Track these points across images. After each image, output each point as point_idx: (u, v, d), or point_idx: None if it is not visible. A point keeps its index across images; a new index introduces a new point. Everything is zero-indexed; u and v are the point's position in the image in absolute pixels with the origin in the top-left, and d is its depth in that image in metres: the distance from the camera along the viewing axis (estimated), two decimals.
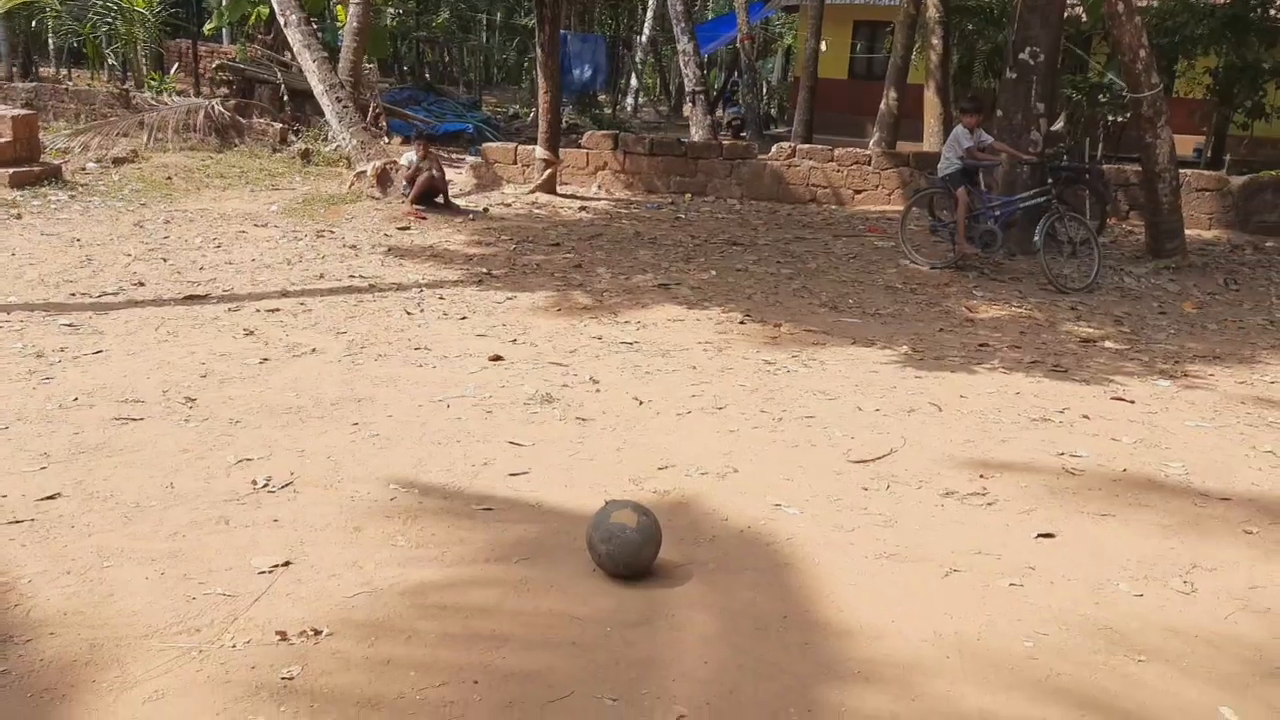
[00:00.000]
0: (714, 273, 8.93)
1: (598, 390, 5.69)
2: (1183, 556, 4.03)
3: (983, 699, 3.01)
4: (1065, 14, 10.65)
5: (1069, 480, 4.80)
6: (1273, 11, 15.72)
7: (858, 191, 12.71)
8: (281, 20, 12.63)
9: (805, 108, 17.86)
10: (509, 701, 2.85)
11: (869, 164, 12.78)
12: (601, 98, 26.80)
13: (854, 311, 7.99)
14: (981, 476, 4.76)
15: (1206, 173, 13.02)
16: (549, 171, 12.03)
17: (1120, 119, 16.02)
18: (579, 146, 13.08)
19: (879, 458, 4.94)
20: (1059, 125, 17.08)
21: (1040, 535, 4.17)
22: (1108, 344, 7.49)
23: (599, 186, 12.78)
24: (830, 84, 21.03)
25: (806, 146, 13.35)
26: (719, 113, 26.23)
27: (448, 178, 11.67)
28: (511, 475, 4.44)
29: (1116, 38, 9.14)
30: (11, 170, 10.58)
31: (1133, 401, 6.09)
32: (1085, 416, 5.75)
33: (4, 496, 3.88)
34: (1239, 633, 3.46)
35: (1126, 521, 4.35)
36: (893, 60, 15.87)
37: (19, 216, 9.46)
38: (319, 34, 14.87)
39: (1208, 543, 4.16)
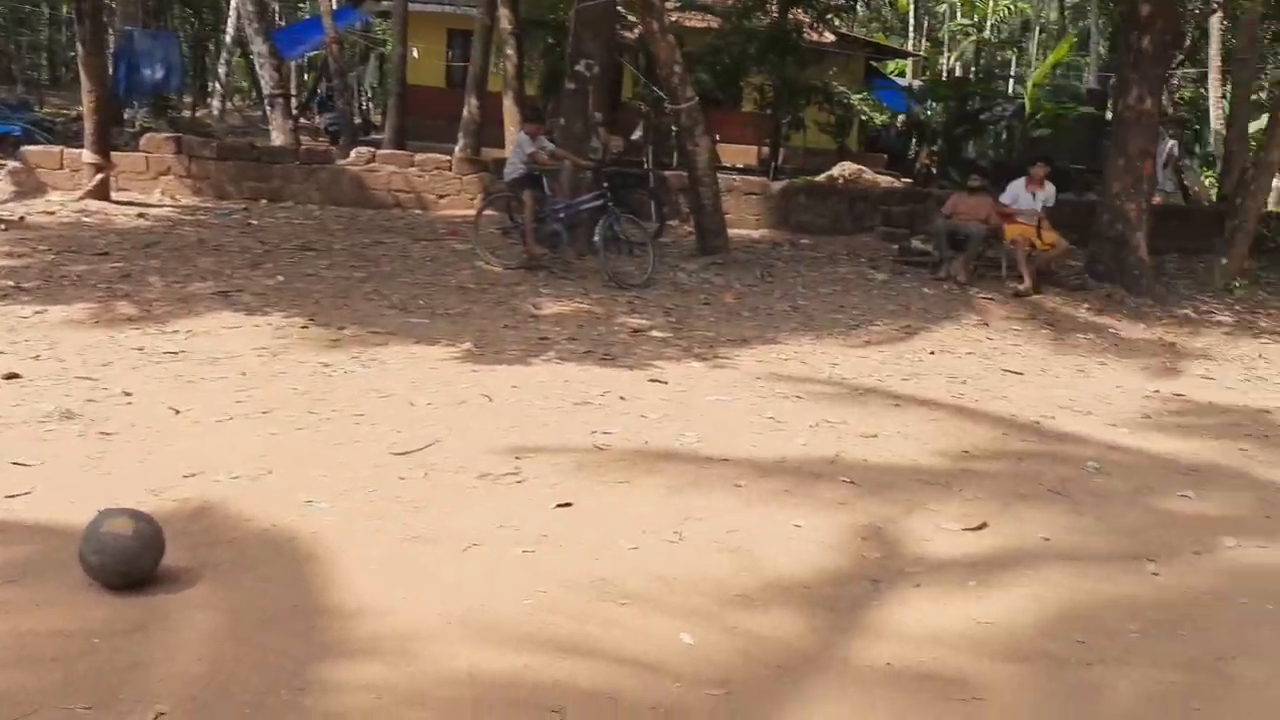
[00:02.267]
0: (281, 278, 8.73)
1: (129, 403, 5.41)
2: (679, 511, 4.53)
3: (474, 656, 3.24)
4: (616, 30, 11.47)
5: (596, 455, 5.24)
6: (808, 35, 17.90)
7: (441, 196, 12.93)
8: None
9: (396, 114, 17.82)
10: None
11: (450, 169, 13.03)
12: (188, 99, 25.14)
13: (423, 312, 8.16)
14: (517, 458, 5.07)
15: (751, 178, 14.56)
16: (100, 177, 11.12)
17: None
18: (139, 150, 12.22)
19: (421, 448, 5.11)
20: (637, 134, 18.37)
21: (559, 505, 4.52)
22: (654, 333, 8.21)
23: (162, 192, 12.01)
24: (426, 91, 21.12)
25: (387, 152, 13.37)
26: (317, 119, 25.44)
27: None
28: (9, 497, 4.13)
29: (654, 54, 10.04)
30: None
31: (666, 382, 6.74)
32: (622, 398, 6.28)
33: None
34: (710, 572, 3.96)
35: (638, 486, 4.83)
36: (471, 69, 16.27)
37: None
38: None
39: (702, 498, 4.72)
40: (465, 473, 4.85)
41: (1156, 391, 7.60)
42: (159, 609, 3.38)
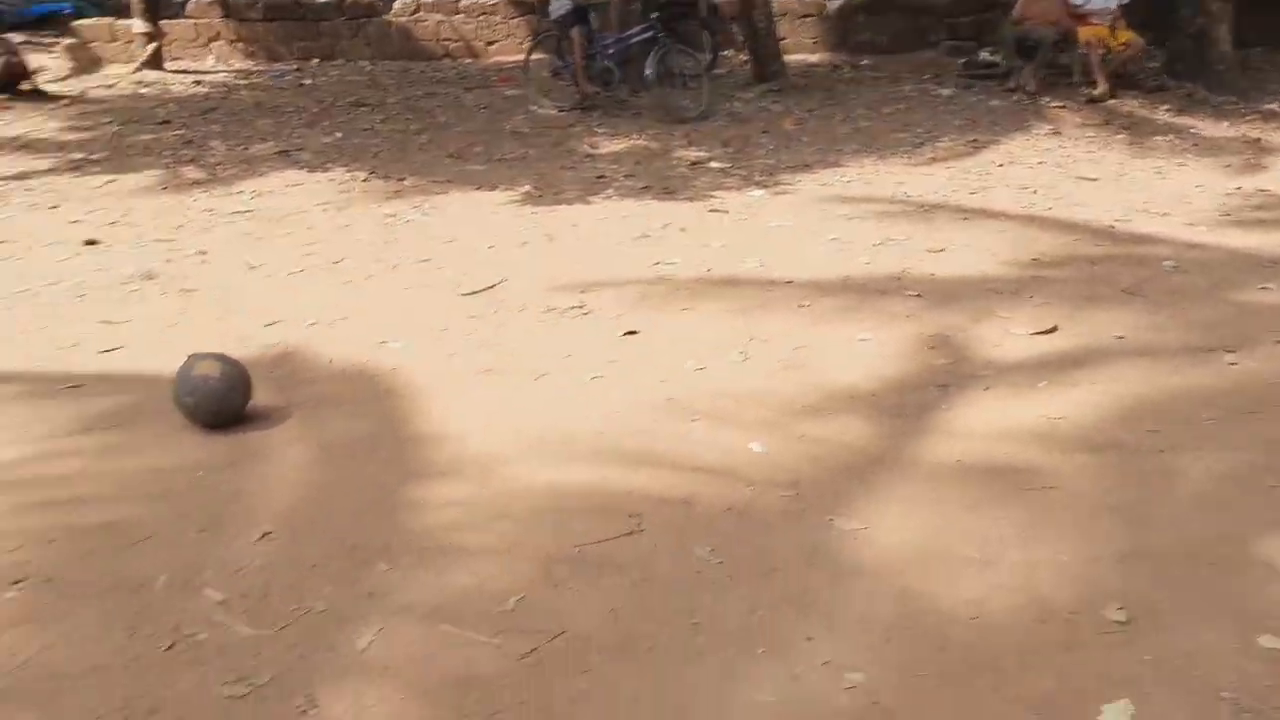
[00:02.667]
0: (339, 135, 8.76)
1: (205, 261, 5.57)
2: (743, 333, 4.57)
3: (552, 472, 3.37)
4: None
5: (660, 285, 5.27)
6: None
7: (490, 43, 12.70)
8: None
9: None
10: (88, 551, 2.90)
11: (497, 14, 12.76)
12: None
13: (480, 159, 8.15)
14: (581, 293, 5.13)
15: None
16: (152, 46, 11.14)
17: None
18: (186, 17, 12.16)
19: (488, 288, 5.20)
20: None
21: (625, 334, 4.59)
22: (713, 164, 8.09)
23: (215, 58, 12.00)
24: None
25: (433, 0, 13.14)
26: None
27: (36, 64, 10.57)
28: (103, 352, 4.34)
29: None
30: None
31: (727, 212, 6.69)
32: (683, 229, 6.26)
33: None
34: (777, 387, 4.02)
35: (702, 312, 4.87)
36: None
37: None
38: None
39: (766, 319, 4.74)
40: (531, 309, 4.93)
41: (1238, 188, 7.31)
42: (252, 445, 3.56)
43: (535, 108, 9.88)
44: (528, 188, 7.30)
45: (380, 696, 2.33)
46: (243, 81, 11.10)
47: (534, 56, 10.56)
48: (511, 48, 12.57)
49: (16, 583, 2.76)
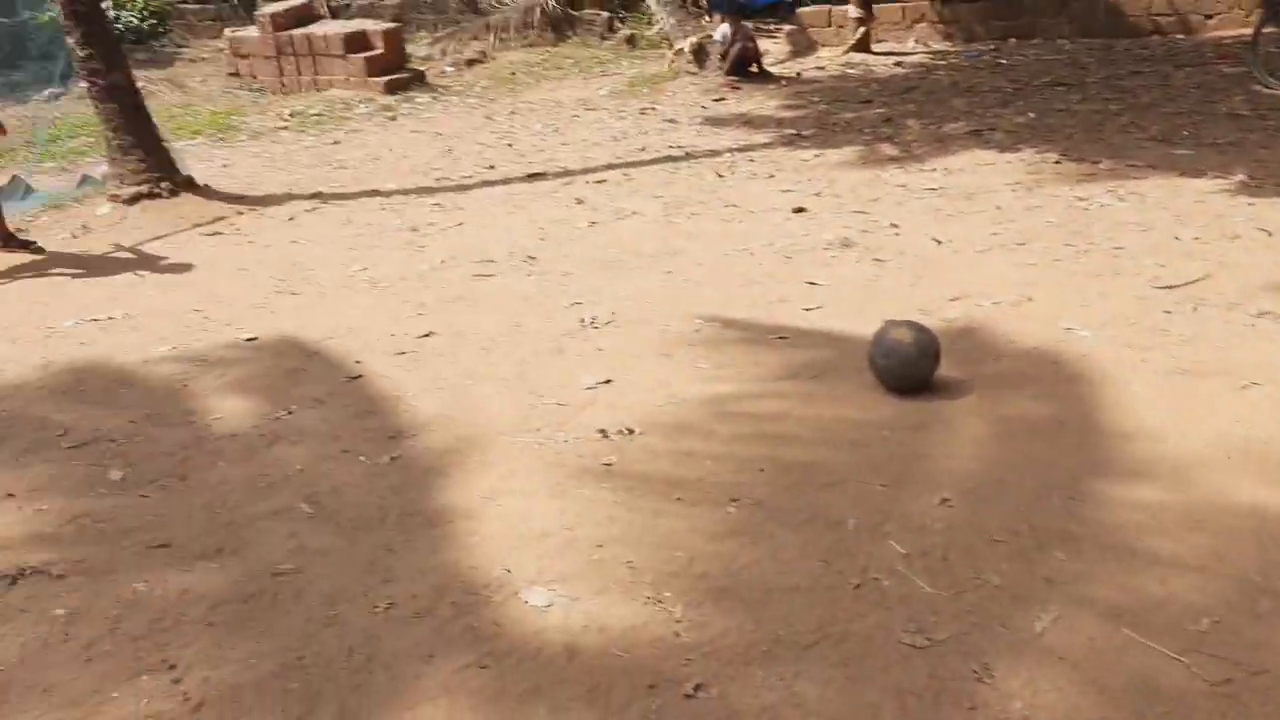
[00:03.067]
0: (1032, 115, 8.60)
1: (897, 234, 5.87)
2: None
3: (1258, 492, 3.05)
4: None
5: None
6: None
7: (1209, 16, 11.47)
8: None
9: None
10: (791, 484, 3.28)
11: None
12: None
13: (1187, 143, 7.46)
14: None
15: None
16: (862, 30, 11.86)
17: None
18: (894, 0, 12.73)
19: (1189, 283, 4.80)
20: None
21: None
22: None
23: (916, 40, 12.42)
24: None
25: None
26: None
27: (763, 48, 11.85)
28: (806, 310, 4.80)
29: None
30: (385, 78, 12.01)
31: None
32: None
33: (393, 335, 4.79)
34: None
35: None
36: None
37: (394, 118, 10.81)
38: None
39: None
40: (1239, 310, 4.46)
41: None
42: (936, 412, 3.72)
43: (1261, 87, 8.76)
44: (1242, 176, 6.54)
45: (1055, 684, 2.34)
46: (940, 62, 11.37)
47: (1265, 29, 9.35)
48: (1235, 20, 11.25)
49: (734, 500, 3.22)
